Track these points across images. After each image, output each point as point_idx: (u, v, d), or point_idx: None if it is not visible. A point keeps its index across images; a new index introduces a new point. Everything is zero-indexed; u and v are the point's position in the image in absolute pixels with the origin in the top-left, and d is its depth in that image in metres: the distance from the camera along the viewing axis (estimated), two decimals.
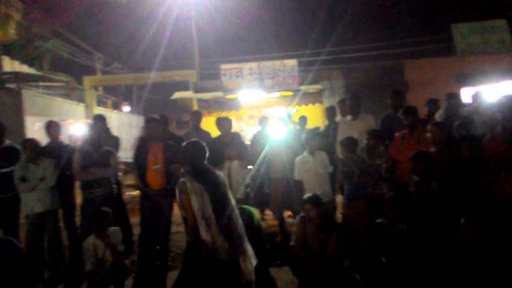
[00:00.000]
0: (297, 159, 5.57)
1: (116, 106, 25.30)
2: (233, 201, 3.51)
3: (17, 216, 5.36)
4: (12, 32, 17.72)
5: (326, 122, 7.62)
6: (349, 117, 6.25)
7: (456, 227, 3.95)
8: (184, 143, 3.62)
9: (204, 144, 3.58)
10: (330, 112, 7.15)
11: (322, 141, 5.85)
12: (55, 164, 5.20)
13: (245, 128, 14.15)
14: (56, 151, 5.39)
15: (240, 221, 3.51)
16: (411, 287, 4.02)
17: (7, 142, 5.41)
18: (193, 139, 3.66)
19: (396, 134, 5.33)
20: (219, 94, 13.58)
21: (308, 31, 20.80)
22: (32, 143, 5.15)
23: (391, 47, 16.42)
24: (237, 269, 3.35)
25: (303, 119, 7.80)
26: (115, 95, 26.03)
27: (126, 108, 26.81)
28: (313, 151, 5.50)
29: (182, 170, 3.86)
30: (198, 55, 17.63)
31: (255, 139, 6.87)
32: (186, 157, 3.45)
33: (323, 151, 5.62)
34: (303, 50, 16.43)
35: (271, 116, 10.60)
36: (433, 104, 6.04)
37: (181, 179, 3.31)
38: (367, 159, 5.19)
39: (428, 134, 4.77)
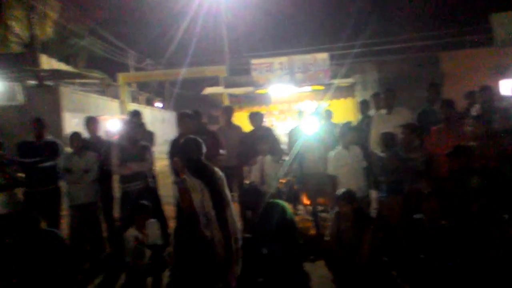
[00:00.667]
0: (331, 153, 5.52)
1: (149, 102, 25.75)
2: (229, 197, 3.56)
3: (59, 207, 5.57)
4: (49, 30, 18.25)
5: (358, 116, 7.51)
6: (383, 111, 6.13)
7: (499, 223, 3.83)
8: (182, 140, 3.69)
9: (201, 141, 3.62)
10: (363, 106, 7.04)
11: (356, 135, 5.77)
12: (97, 157, 5.39)
13: (275, 123, 14.08)
14: (95, 146, 5.56)
15: (235, 218, 3.57)
16: (451, 285, 3.93)
17: (48, 137, 5.65)
18: (191, 136, 3.72)
19: (433, 128, 5.20)
20: (250, 89, 13.58)
21: (340, 23, 20.51)
22: (77, 137, 5.40)
23: (426, 39, 15.96)
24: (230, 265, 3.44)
25: (327, 113, 7.66)
26: (148, 91, 26.47)
27: (158, 104, 27.24)
28: (348, 146, 5.43)
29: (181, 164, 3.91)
30: (228, 50, 17.68)
31: (292, 133, 6.83)
32: (185, 153, 3.51)
33: (357, 146, 5.55)
34: (335, 43, 16.21)
35: (305, 110, 10.56)
36: (473, 97, 5.87)
37: (183, 176, 3.39)
38: (403, 154, 5.09)
39: (469, 128, 4.63)
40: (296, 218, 6.00)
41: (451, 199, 4.27)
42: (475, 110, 5.62)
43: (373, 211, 5.73)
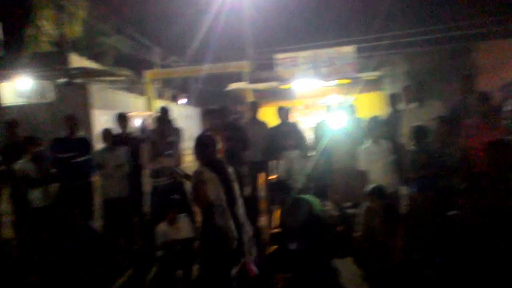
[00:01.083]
0: (361, 148, 5.43)
1: (174, 98, 25.97)
2: (238, 193, 3.70)
3: (92, 201, 5.72)
4: (77, 29, 18.61)
5: (386, 110, 7.33)
6: (414, 104, 5.99)
7: None
8: (197, 136, 3.82)
9: (214, 138, 3.78)
10: (393, 99, 6.84)
11: (385, 129, 5.65)
12: (128, 153, 5.50)
13: (299, 118, 13.94)
14: (126, 141, 5.70)
15: (242, 212, 3.71)
16: (487, 284, 3.81)
17: (80, 133, 5.81)
18: (205, 133, 3.81)
19: (468, 121, 5.03)
20: (274, 84, 13.50)
21: (366, 15, 20.08)
22: (109, 133, 5.54)
23: (458, 29, 15.42)
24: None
25: (351, 108, 7.51)
26: (173, 88, 26.70)
27: (183, 100, 27.44)
28: (377, 141, 5.33)
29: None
30: (252, 46, 17.61)
31: (318, 128, 6.76)
32: (199, 149, 3.61)
33: (386, 140, 5.43)
34: (362, 35, 15.85)
35: (333, 105, 10.42)
36: (508, 89, 5.67)
37: (197, 169, 3.51)
38: (436, 148, 4.94)
39: (504, 122, 4.47)
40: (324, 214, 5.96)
41: (490, 195, 4.12)
42: (510, 104, 5.42)
43: (403, 207, 5.63)
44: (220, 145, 5.22)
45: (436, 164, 4.77)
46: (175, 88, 27.21)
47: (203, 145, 3.62)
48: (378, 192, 4.43)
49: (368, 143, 5.40)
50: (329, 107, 7.05)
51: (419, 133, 4.97)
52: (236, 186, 3.66)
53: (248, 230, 3.73)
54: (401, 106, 6.45)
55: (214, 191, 3.40)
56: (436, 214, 4.56)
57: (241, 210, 3.70)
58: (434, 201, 4.72)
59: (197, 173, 3.46)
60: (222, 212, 3.42)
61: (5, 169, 5.46)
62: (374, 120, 5.69)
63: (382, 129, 5.49)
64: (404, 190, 5.61)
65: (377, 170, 5.26)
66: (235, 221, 3.54)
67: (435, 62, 12.73)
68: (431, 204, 4.72)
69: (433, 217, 4.60)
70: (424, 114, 5.61)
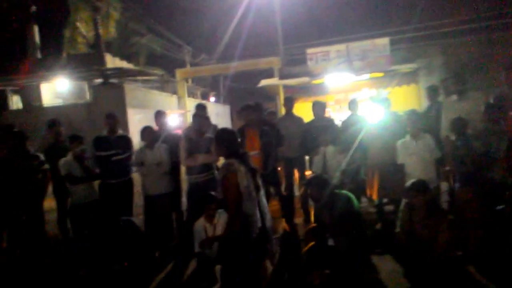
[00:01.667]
0: (399, 142, 5.33)
1: (205, 96, 26.20)
2: (260, 181, 3.74)
3: (131, 198, 5.82)
4: (112, 30, 19.00)
5: (423, 103, 7.16)
6: (454, 97, 5.82)
7: None
8: (218, 130, 3.87)
9: (236, 132, 3.80)
10: (431, 92, 6.66)
11: (424, 123, 5.51)
12: (168, 150, 5.55)
13: (332, 114, 13.77)
14: (164, 139, 5.72)
15: (264, 199, 3.78)
16: None
17: (120, 131, 5.92)
18: (224, 127, 3.92)
19: None
20: (305, 79, 13.35)
21: (400, 5, 19.54)
22: (150, 131, 5.58)
23: (496, 18, 14.78)
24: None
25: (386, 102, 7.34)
26: (203, 86, 26.93)
27: (213, 98, 27.64)
28: (416, 135, 5.21)
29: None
30: (282, 41, 17.50)
31: (346, 124, 6.68)
32: (223, 142, 3.65)
33: (428, 135, 5.30)
34: (396, 27, 15.46)
35: (361, 99, 10.24)
36: None
37: (227, 161, 3.54)
38: (480, 141, 4.76)
39: None
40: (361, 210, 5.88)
41: None
42: None
43: (444, 203, 5.49)
44: (256, 141, 5.28)
45: (480, 157, 4.61)
46: (205, 86, 27.46)
47: (227, 138, 3.66)
48: (419, 187, 4.29)
49: (407, 137, 5.26)
50: (352, 102, 6.93)
51: (460, 125, 4.81)
52: (258, 177, 3.71)
53: (270, 219, 3.79)
54: (440, 98, 6.28)
55: (244, 180, 3.46)
56: (482, 209, 4.42)
57: (263, 199, 3.76)
58: (479, 196, 4.56)
59: (226, 165, 3.51)
60: (251, 200, 3.51)
61: (50, 168, 5.61)
62: (414, 113, 5.54)
63: (422, 123, 5.34)
64: (445, 185, 5.51)
65: (416, 164, 5.13)
66: (259, 209, 3.62)
67: (474, 52, 12.30)
68: (476, 198, 4.56)
69: (479, 212, 4.45)
70: (464, 107, 5.46)
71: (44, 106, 15.29)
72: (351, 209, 4.60)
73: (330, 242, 4.53)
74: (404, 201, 4.54)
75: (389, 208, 6.25)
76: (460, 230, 4.40)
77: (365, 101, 11.43)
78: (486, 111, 4.79)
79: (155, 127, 5.96)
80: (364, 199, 6.88)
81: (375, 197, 6.16)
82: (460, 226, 4.44)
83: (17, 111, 15.70)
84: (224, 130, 3.80)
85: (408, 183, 4.44)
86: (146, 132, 5.55)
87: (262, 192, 3.75)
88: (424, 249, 4.15)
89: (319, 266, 4.47)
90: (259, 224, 3.57)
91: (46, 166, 5.62)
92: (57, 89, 16.38)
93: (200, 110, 5.85)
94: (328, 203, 4.62)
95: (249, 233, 3.49)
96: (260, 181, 3.72)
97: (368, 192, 6.55)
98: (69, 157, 5.40)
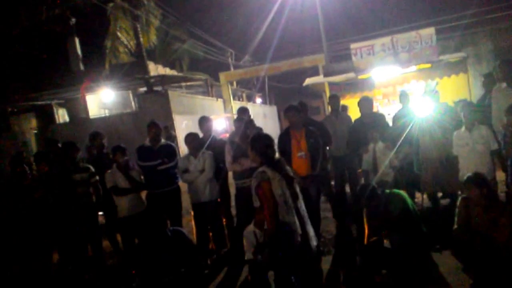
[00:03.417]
0: (454, 134, 5.15)
1: (250, 98, 26.30)
2: (298, 189, 3.70)
3: (179, 207, 5.78)
4: (153, 37, 19.34)
5: (474, 93, 6.78)
6: (503, 84, 5.48)
7: None
8: (253, 136, 3.88)
9: (271, 136, 3.79)
10: (488, 80, 6.30)
11: (479, 114, 5.24)
12: (212, 157, 5.49)
13: (380, 109, 13.42)
14: (210, 145, 5.68)
15: (303, 206, 3.74)
16: None
17: (163, 140, 5.85)
18: (261, 132, 3.84)
19: None
20: (351, 75, 13.10)
21: None
22: (193, 138, 5.53)
23: None
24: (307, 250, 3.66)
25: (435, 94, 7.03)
26: (248, 88, 27.05)
27: (259, 100, 27.70)
28: (472, 126, 4.96)
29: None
30: (325, 38, 17.26)
31: (397, 118, 6.47)
32: (257, 149, 3.65)
33: (485, 126, 5.05)
34: (441, 16, 14.90)
35: (410, 92, 9.91)
36: None
37: (260, 169, 3.57)
38: None
39: None
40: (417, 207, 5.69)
41: None
42: None
43: (502, 195, 5.20)
44: (302, 142, 5.19)
45: None
46: (251, 88, 27.57)
47: (260, 145, 3.67)
48: (477, 180, 4.11)
49: (462, 129, 5.04)
50: (403, 95, 6.70)
51: None
52: (295, 184, 3.67)
53: (308, 227, 3.75)
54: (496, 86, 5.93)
55: (279, 188, 3.47)
56: None
57: (302, 205, 3.72)
58: None
59: (259, 173, 3.53)
60: (288, 208, 3.51)
61: (99, 180, 5.65)
62: (467, 104, 5.30)
63: (477, 113, 5.09)
64: (502, 177, 5.27)
65: (471, 156, 4.95)
66: (298, 216, 3.60)
67: None
68: None
69: None
70: None
71: (90, 118, 15.56)
72: (406, 208, 4.54)
73: (386, 243, 4.44)
74: (461, 196, 4.36)
75: (445, 202, 6.05)
76: None
77: (414, 93, 11.14)
78: None
79: (200, 133, 5.93)
80: (419, 195, 6.66)
81: (430, 192, 5.93)
82: None
83: (64, 124, 15.94)
84: (257, 137, 3.80)
85: (466, 177, 4.26)
86: (189, 139, 5.51)
87: (300, 199, 3.71)
88: (484, 245, 3.97)
89: (379, 265, 4.41)
90: (300, 231, 3.56)
91: (97, 178, 5.64)
92: (102, 100, 16.62)
93: (242, 114, 5.82)
94: (384, 204, 4.55)
95: (290, 240, 3.49)
96: (297, 189, 3.70)
97: (423, 187, 6.32)
98: (113, 168, 5.41)
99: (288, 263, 3.63)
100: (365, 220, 4.62)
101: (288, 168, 3.74)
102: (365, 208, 4.67)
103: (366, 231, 4.56)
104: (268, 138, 3.77)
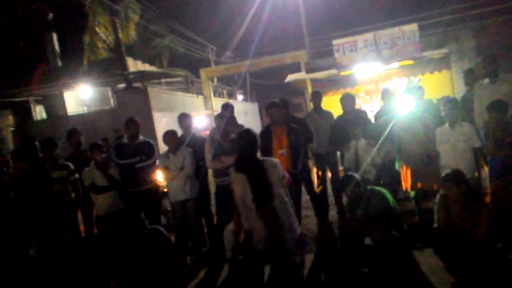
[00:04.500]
0: (437, 130, 5.13)
1: (231, 95, 26.13)
2: (278, 188, 3.48)
3: (158, 206, 5.73)
4: (132, 33, 19.08)
5: (456, 90, 6.79)
6: (486, 80, 5.47)
7: None
8: (238, 133, 3.73)
9: (256, 133, 3.64)
10: (469, 77, 6.30)
11: (461, 111, 5.21)
12: (192, 154, 5.41)
13: (362, 105, 13.43)
14: (190, 142, 5.61)
15: (288, 203, 3.55)
16: None
17: (141, 137, 5.76)
18: (246, 128, 3.78)
19: None
20: (333, 72, 13.06)
21: None
22: (171, 135, 5.44)
23: None
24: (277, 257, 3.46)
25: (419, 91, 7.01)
26: (229, 85, 26.89)
27: (240, 96, 27.55)
28: (454, 122, 4.92)
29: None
30: (307, 34, 17.22)
31: (379, 116, 6.44)
32: (237, 146, 3.60)
33: (468, 123, 5.04)
34: (423, 12, 14.94)
35: (393, 89, 9.91)
36: None
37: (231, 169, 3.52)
38: None
39: None
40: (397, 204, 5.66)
41: None
42: None
43: (484, 192, 5.19)
44: (283, 139, 5.10)
45: None
46: (232, 85, 27.41)
47: (241, 143, 3.59)
48: (455, 177, 4.10)
49: (445, 125, 5.01)
50: (385, 92, 6.67)
51: (500, 107, 4.53)
52: (273, 184, 3.45)
53: (295, 228, 3.57)
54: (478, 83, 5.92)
55: (239, 191, 3.38)
56: None
57: (281, 207, 3.49)
58: None
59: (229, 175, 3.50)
60: (247, 212, 3.39)
61: (78, 178, 5.57)
62: (449, 100, 5.26)
63: (460, 110, 5.06)
64: (485, 174, 5.25)
65: (454, 154, 4.91)
66: (265, 221, 3.39)
67: (506, 33, 11.77)
68: None
69: None
70: (498, 91, 5.12)
71: (68, 114, 15.25)
72: (387, 206, 4.50)
73: (368, 240, 4.41)
74: (439, 194, 4.35)
75: (429, 200, 6.02)
76: (502, 221, 4.16)
77: (396, 90, 11.15)
78: None
79: (180, 130, 5.84)
80: (401, 192, 6.64)
81: (410, 189, 5.91)
82: (502, 216, 4.19)
83: (42, 121, 15.63)
84: (242, 134, 3.65)
85: (444, 174, 4.27)
86: (168, 136, 5.42)
87: (279, 201, 3.48)
88: (464, 242, 3.96)
89: (359, 264, 4.40)
90: (263, 236, 3.38)
91: (77, 175, 5.58)
92: (80, 96, 16.35)
93: (225, 110, 5.71)
94: (364, 201, 4.53)
95: (249, 245, 3.41)
96: (275, 189, 3.46)
97: (403, 185, 6.29)
98: (91, 166, 5.37)
99: (250, 266, 3.54)
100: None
101: (267, 166, 3.53)
102: (348, 199, 4.71)
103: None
104: (246, 137, 3.61)
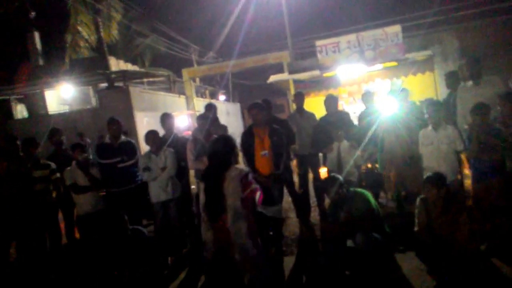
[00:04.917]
0: (421, 132, 5.12)
1: (214, 96, 26.00)
2: (233, 201, 3.17)
3: (139, 206, 5.65)
4: (114, 32, 18.89)
5: (440, 92, 6.82)
6: (469, 82, 5.49)
7: None
8: (212, 139, 3.58)
9: (234, 140, 3.44)
10: (451, 79, 6.31)
11: (444, 113, 5.23)
12: (174, 154, 5.39)
13: (345, 107, 13.44)
14: (171, 143, 5.60)
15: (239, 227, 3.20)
16: None
17: (123, 137, 5.74)
18: (224, 136, 3.60)
19: None
20: (316, 73, 13.03)
21: None
22: (153, 135, 5.41)
23: None
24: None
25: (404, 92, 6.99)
26: (212, 85, 26.77)
27: (222, 97, 27.44)
28: (438, 125, 4.92)
29: None
30: (290, 35, 17.19)
31: (362, 118, 6.43)
32: (212, 154, 3.41)
33: (452, 126, 5.05)
34: (407, 13, 15.02)
35: (375, 91, 9.93)
36: None
37: None
38: (502, 129, 4.46)
39: None
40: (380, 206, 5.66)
41: None
42: None
43: (466, 195, 5.21)
44: (265, 140, 5.04)
45: (504, 145, 4.35)
46: (214, 85, 27.30)
47: (214, 149, 3.43)
48: (435, 180, 4.08)
49: (428, 129, 5.01)
50: (366, 95, 6.66)
51: (482, 110, 4.51)
52: (235, 193, 3.18)
53: (248, 247, 3.22)
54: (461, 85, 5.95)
55: (202, 200, 3.32)
56: (507, 201, 4.23)
57: (234, 221, 3.17)
58: (502, 186, 4.36)
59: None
60: (202, 222, 3.34)
61: (60, 177, 5.51)
62: (433, 103, 5.27)
63: (443, 113, 5.07)
64: (467, 177, 5.25)
65: (436, 157, 4.91)
66: (218, 233, 3.23)
67: (490, 35, 11.90)
68: (499, 189, 4.37)
69: (503, 204, 4.27)
70: (482, 93, 5.13)
71: (50, 114, 15.09)
72: (369, 208, 4.47)
73: (350, 242, 4.38)
74: (419, 197, 4.33)
75: (410, 202, 6.03)
76: (482, 223, 4.23)
77: (380, 92, 11.17)
78: (503, 101, 4.48)
79: (162, 130, 5.80)
80: (383, 194, 6.64)
81: (393, 192, 5.91)
82: (482, 219, 4.27)
83: (23, 120, 15.47)
84: (216, 141, 3.46)
85: (425, 177, 4.26)
86: (149, 136, 5.39)
87: (234, 214, 3.17)
88: (445, 245, 3.96)
89: (340, 266, 4.37)
90: (211, 247, 3.27)
91: (58, 175, 5.53)
92: (61, 95, 16.23)
93: (208, 111, 5.64)
94: (345, 202, 4.50)
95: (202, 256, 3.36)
96: (234, 202, 3.17)
97: (386, 187, 6.30)
98: (73, 166, 5.34)
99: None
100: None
101: (227, 177, 3.24)
102: (330, 201, 4.67)
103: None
104: (221, 144, 3.39)
